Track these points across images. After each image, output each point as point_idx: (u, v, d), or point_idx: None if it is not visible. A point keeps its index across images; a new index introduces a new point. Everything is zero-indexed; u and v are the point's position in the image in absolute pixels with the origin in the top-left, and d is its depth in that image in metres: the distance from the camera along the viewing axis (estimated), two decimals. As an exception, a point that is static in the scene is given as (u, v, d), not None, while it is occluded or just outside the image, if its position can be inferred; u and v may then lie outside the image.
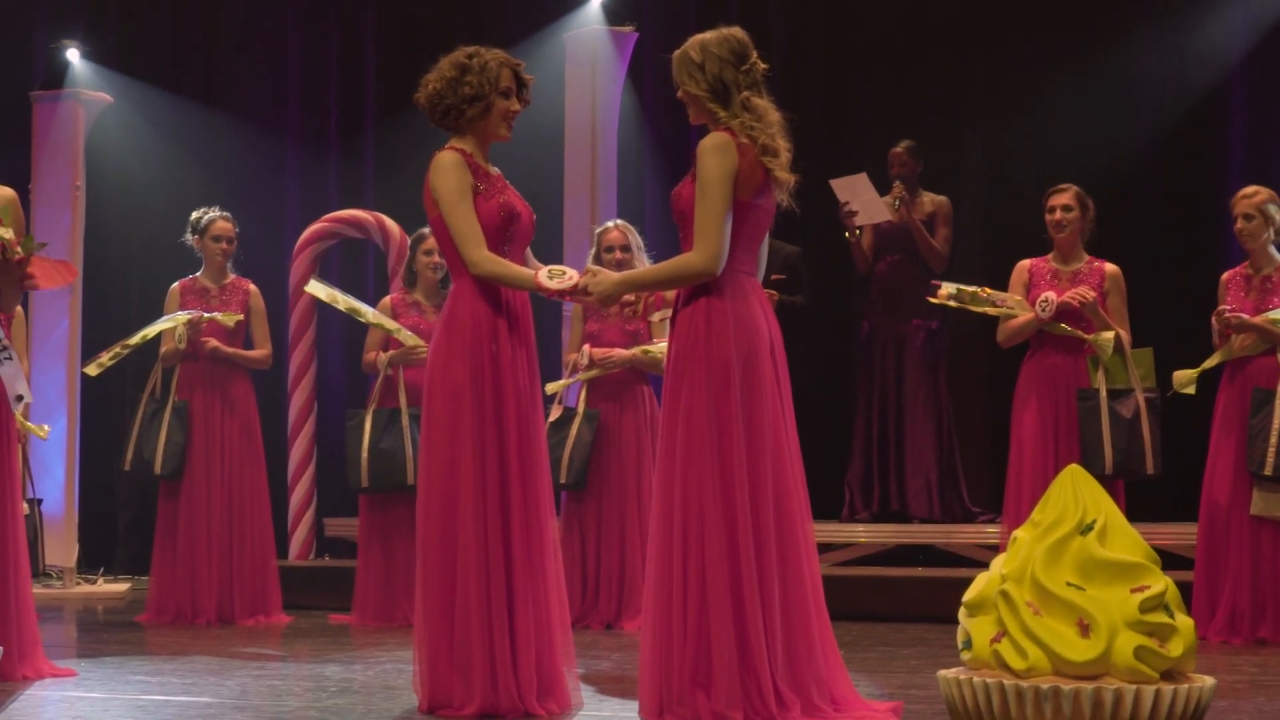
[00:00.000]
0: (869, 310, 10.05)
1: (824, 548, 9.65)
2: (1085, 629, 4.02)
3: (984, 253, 10.47)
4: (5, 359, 6.15)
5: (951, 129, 10.77)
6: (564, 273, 5.18)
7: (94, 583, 10.71)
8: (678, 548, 4.96)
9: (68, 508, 10.62)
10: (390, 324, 8.65)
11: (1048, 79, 10.50)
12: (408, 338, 8.58)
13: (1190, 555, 8.00)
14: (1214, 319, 7.87)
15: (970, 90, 10.86)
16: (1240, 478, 7.72)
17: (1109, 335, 7.83)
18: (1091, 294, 7.88)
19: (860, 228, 9.72)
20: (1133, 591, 4.06)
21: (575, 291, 5.18)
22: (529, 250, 5.49)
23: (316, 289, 8.94)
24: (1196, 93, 10.38)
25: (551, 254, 10.72)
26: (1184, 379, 7.89)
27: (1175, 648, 4.05)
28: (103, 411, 11.23)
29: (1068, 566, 4.10)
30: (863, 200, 9.47)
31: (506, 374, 5.28)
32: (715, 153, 4.98)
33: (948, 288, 8.08)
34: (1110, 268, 8.05)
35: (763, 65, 5.10)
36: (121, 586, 10.55)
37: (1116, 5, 10.53)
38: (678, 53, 5.14)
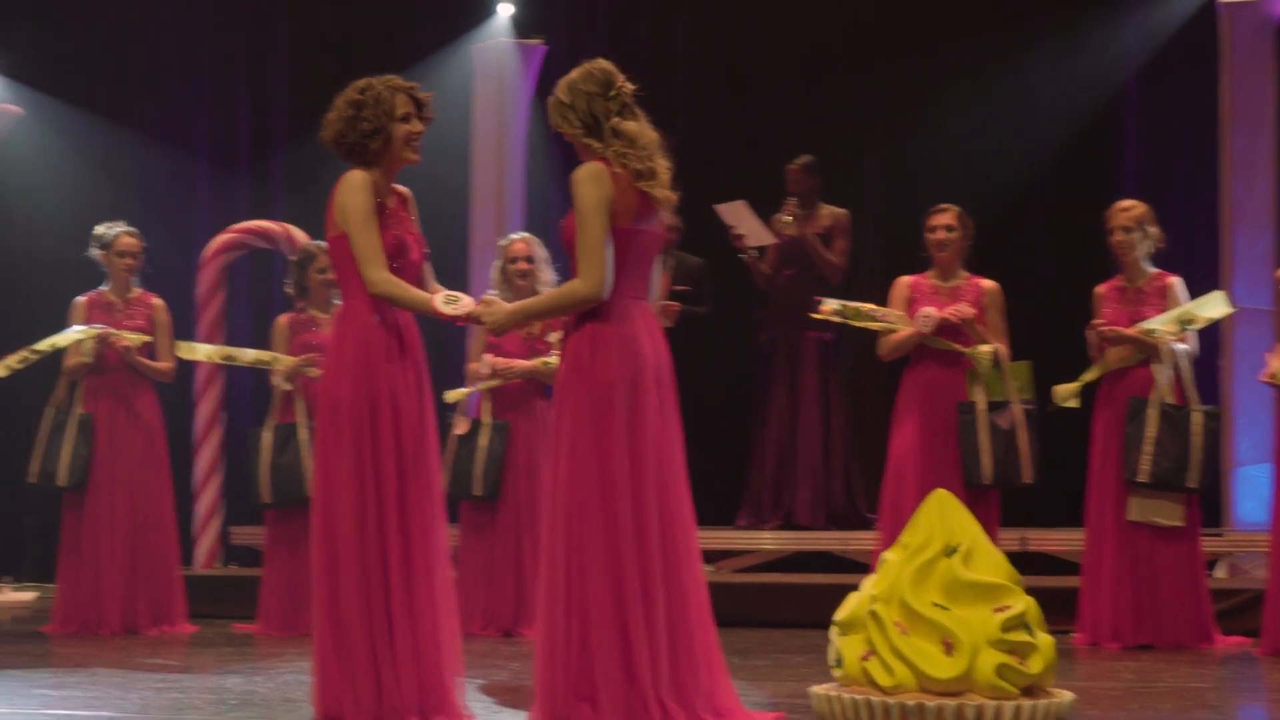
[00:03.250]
0: (768, 322, 10.23)
1: (721, 554, 9.83)
2: (949, 647, 4.19)
3: (883, 265, 10.63)
4: None
5: (853, 145, 10.95)
6: (458, 299, 5.31)
7: (0, 591, 10.73)
8: (562, 564, 5.09)
9: (-28, 517, 10.65)
10: (266, 356, 8.80)
11: (947, 97, 10.69)
12: (286, 361, 8.70)
13: (1079, 561, 8.16)
14: (1089, 332, 8.05)
15: (870, 108, 11.05)
16: (1120, 485, 7.87)
17: (986, 349, 7.98)
18: (970, 311, 8.01)
19: (760, 249, 9.91)
20: (995, 611, 4.24)
21: (468, 319, 5.33)
22: (429, 267, 5.57)
23: (190, 351, 9.06)
24: (1090, 111, 10.61)
25: (458, 265, 10.86)
26: (1065, 393, 8.06)
27: (1035, 665, 4.24)
28: (3, 419, 11.23)
29: (934, 587, 4.27)
30: (747, 225, 9.66)
31: (384, 391, 5.31)
32: (587, 182, 5.10)
33: (830, 304, 8.17)
34: (988, 284, 8.15)
35: (630, 87, 5.19)
36: (29, 595, 10.54)
37: (1015, 24, 10.73)
38: (550, 98, 5.26)
